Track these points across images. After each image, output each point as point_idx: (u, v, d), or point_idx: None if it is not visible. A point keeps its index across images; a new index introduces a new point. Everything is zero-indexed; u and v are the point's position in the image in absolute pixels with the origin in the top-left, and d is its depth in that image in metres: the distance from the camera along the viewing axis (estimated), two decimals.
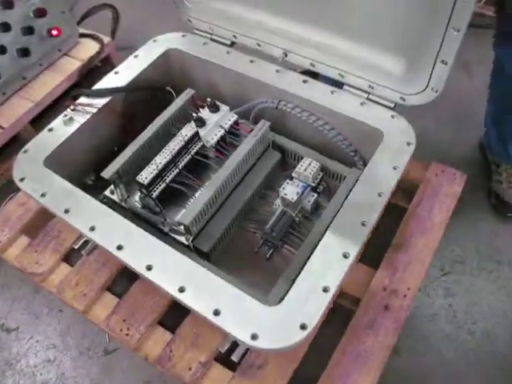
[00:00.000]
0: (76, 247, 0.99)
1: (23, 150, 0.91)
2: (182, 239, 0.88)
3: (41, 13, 1.48)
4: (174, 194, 0.93)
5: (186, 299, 0.69)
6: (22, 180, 0.86)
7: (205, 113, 1.00)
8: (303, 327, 0.66)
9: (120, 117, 1.05)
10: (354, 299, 0.94)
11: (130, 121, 1.06)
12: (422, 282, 0.94)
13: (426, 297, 1.06)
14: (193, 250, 0.89)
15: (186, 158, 0.92)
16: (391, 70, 0.88)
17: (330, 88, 0.96)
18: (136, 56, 1.06)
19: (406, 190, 1.08)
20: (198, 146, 0.94)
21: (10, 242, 1.06)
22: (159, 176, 0.89)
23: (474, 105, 1.47)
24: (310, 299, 0.68)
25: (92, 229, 0.78)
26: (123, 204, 0.93)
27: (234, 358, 0.84)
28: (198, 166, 0.96)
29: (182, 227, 0.86)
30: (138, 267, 0.72)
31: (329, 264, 0.72)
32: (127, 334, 0.91)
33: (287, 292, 0.80)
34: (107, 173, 0.89)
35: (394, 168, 0.84)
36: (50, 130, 0.94)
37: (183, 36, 1.10)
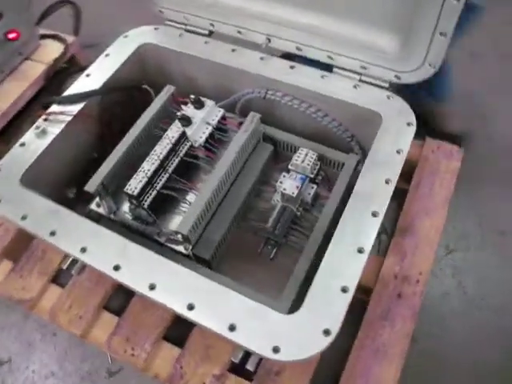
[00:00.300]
0: (64, 267, 0.91)
1: None
2: (181, 249, 0.82)
3: None
4: (165, 200, 0.87)
5: (196, 317, 0.64)
6: None
7: (189, 110, 0.93)
8: (327, 332, 0.62)
9: (97, 122, 0.98)
10: (366, 289, 0.90)
11: (108, 125, 1.00)
12: (433, 264, 0.91)
13: (433, 277, 1.03)
14: (193, 259, 0.84)
15: (175, 161, 0.86)
16: (384, 48, 0.84)
17: (319, 72, 0.91)
18: (107, 55, 0.98)
19: (403, 170, 1.04)
20: (186, 147, 0.88)
21: None
22: (149, 184, 0.82)
23: None
24: (329, 302, 0.64)
25: (83, 250, 0.71)
26: (112, 217, 0.86)
27: (250, 366, 0.79)
28: (188, 168, 0.89)
29: (179, 236, 0.80)
30: (140, 288, 0.66)
31: (344, 261, 0.68)
32: (132, 355, 0.85)
33: (298, 294, 0.77)
34: (91, 186, 0.82)
35: (398, 152, 0.80)
36: (22, 144, 0.85)
37: (156, 29, 1.03)
